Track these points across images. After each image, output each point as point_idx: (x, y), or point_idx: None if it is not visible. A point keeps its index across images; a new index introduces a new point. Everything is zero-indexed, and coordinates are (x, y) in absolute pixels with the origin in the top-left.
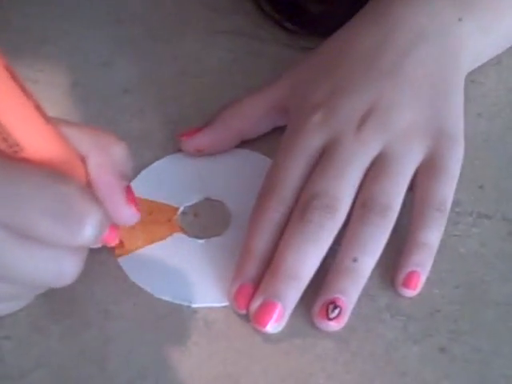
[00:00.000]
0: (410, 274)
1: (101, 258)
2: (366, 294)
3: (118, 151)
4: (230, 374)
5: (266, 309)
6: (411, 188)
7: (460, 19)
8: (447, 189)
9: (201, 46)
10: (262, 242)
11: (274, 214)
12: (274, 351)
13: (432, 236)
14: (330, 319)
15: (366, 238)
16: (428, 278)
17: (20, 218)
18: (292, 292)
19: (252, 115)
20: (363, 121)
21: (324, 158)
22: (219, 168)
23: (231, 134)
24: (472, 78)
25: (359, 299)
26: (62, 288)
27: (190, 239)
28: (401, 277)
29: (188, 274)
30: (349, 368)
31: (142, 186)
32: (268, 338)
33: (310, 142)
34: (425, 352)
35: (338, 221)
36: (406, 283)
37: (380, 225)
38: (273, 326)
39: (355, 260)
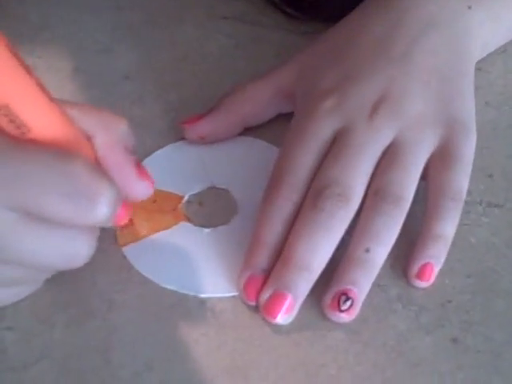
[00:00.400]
0: (424, 266)
1: (104, 247)
2: (376, 284)
3: (122, 128)
4: (238, 365)
5: (276, 300)
6: (423, 177)
7: (469, 7)
8: (462, 178)
9: (201, 31)
10: (272, 231)
11: (285, 202)
12: (283, 342)
13: (447, 227)
14: (341, 311)
15: (378, 228)
16: (440, 269)
17: (31, 199)
18: (303, 283)
19: (256, 101)
20: (375, 108)
21: (336, 146)
22: (223, 156)
23: (234, 121)
24: (479, 67)
25: (370, 289)
26: (65, 277)
27: (196, 228)
28: (415, 269)
29: (194, 264)
30: (360, 359)
31: None
32: (277, 328)
33: (322, 128)
34: (437, 343)
35: (351, 210)
36: (420, 275)
37: (393, 214)
38: (283, 318)
39: (368, 250)
